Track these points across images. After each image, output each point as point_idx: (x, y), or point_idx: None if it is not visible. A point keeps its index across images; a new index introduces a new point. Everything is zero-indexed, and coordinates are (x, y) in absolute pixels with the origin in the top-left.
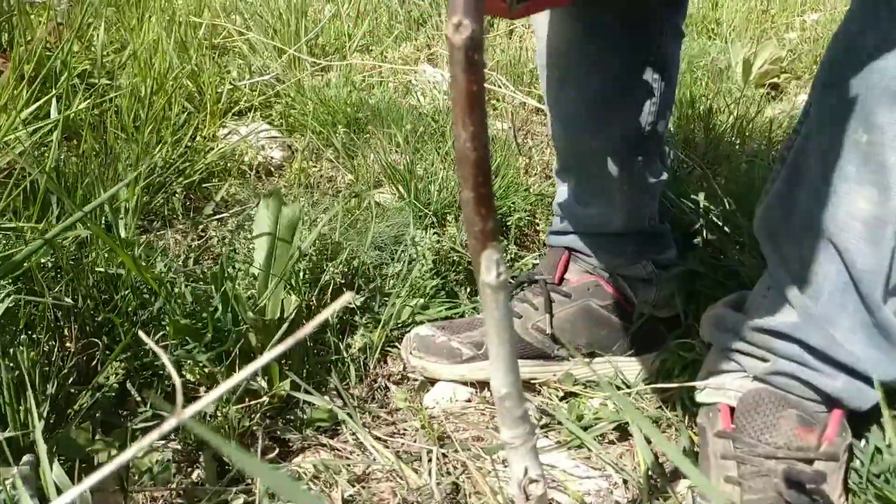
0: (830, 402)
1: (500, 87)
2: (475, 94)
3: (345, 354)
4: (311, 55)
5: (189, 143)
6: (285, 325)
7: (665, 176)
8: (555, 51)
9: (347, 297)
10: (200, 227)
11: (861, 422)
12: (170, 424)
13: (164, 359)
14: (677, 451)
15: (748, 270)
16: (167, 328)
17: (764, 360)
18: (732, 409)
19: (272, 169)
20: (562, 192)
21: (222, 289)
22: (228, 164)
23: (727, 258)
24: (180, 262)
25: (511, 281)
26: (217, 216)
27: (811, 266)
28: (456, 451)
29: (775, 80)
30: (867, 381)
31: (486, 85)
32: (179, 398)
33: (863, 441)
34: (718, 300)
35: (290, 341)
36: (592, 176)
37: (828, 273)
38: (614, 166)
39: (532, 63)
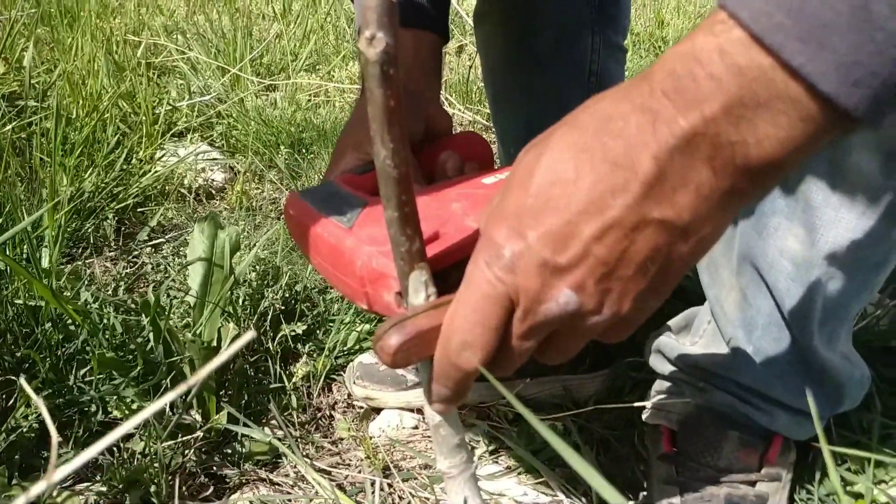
0: (770, 431)
1: (448, 105)
2: (392, 110)
3: (287, 383)
4: (256, 75)
5: (123, 166)
6: (224, 355)
7: None
8: (488, 71)
9: (250, 336)
10: (133, 253)
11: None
12: (38, 489)
13: (43, 409)
14: (581, 462)
15: (695, 285)
16: (92, 362)
17: (704, 390)
18: (674, 433)
19: (213, 192)
20: None
21: (152, 318)
22: (166, 188)
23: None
24: (109, 291)
25: None
26: (152, 242)
27: (747, 298)
28: (401, 480)
29: None
30: (805, 414)
31: None
32: (54, 456)
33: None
34: (664, 321)
35: (203, 371)
36: None
37: (761, 307)
38: None
39: (480, 79)
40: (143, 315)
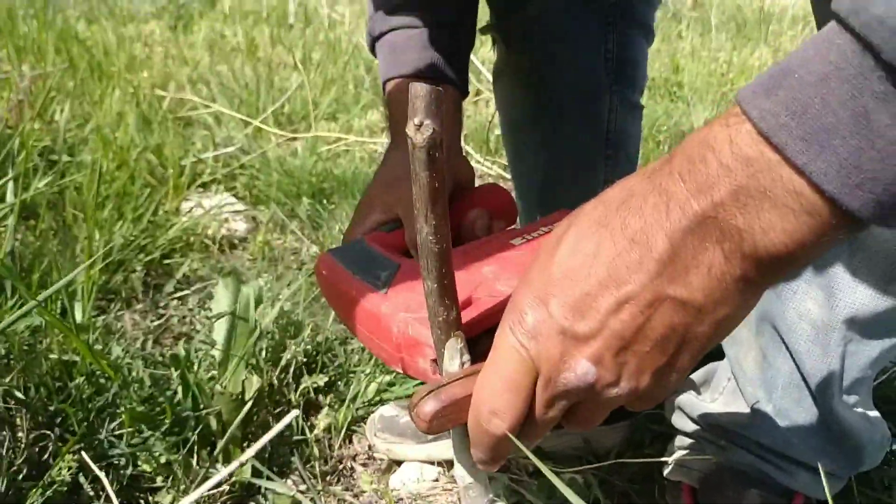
0: (790, 490)
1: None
2: (437, 190)
3: (309, 435)
4: (277, 124)
5: (151, 219)
6: (247, 407)
7: None
8: (507, 126)
9: (293, 415)
10: (160, 305)
11: None
12: None
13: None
14: None
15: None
16: (123, 416)
17: (725, 448)
18: (694, 490)
19: (236, 242)
20: None
21: (180, 372)
22: (191, 239)
23: None
24: (138, 345)
25: None
26: (178, 294)
27: (767, 358)
28: None
29: None
30: (827, 474)
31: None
32: None
33: None
34: None
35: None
36: None
37: (781, 368)
38: None
39: (498, 129)
40: (172, 369)
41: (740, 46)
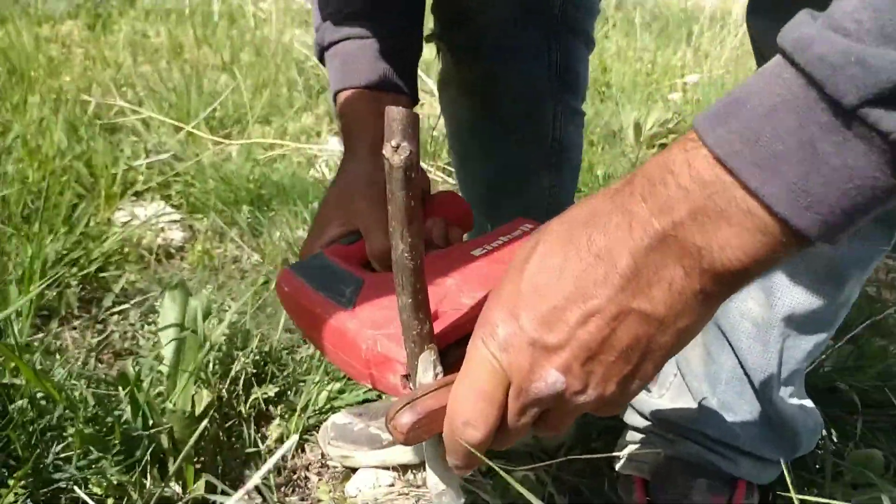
0: (734, 477)
1: None
2: (412, 209)
3: (261, 446)
4: (210, 129)
5: (83, 230)
6: (202, 424)
7: None
8: (453, 135)
9: (293, 441)
10: (99, 321)
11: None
12: None
13: None
14: None
15: None
16: (71, 439)
17: (673, 441)
18: (645, 481)
19: (173, 251)
20: None
21: (129, 390)
22: (126, 250)
23: None
24: (80, 364)
25: None
26: (117, 308)
27: (711, 354)
28: None
29: (664, 140)
30: (767, 461)
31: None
32: None
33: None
34: None
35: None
36: None
37: (724, 363)
38: None
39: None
40: (120, 387)
41: (663, 46)
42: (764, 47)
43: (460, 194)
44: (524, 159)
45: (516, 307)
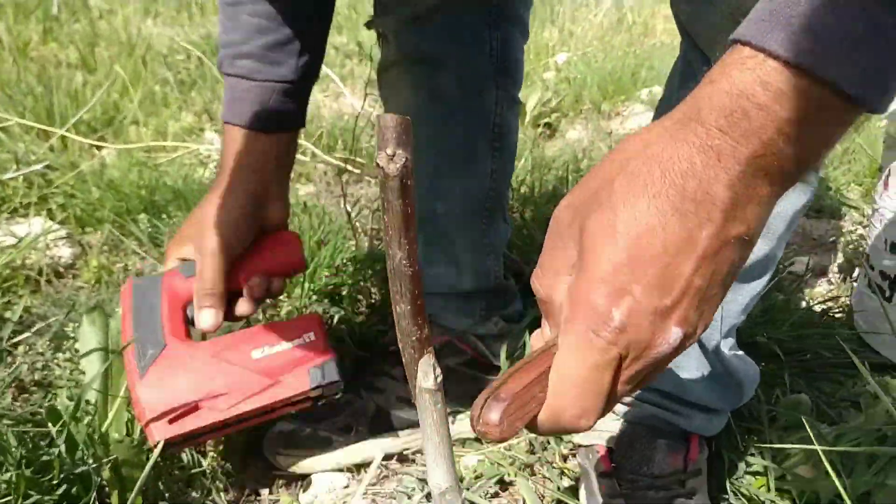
0: (688, 432)
1: (307, 154)
2: (409, 217)
3: (204, 465)
4: (78, 133)
5: None
6: (158, 450)
7: (508, 234)
8: None
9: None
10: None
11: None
12: None
13: None
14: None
15: None
16: (5, 485)
17: (629, 405)
18: (609, 449)
19: (61, 270)
20: None
21: (61, 424)
22: (13, 273)
23: None
24: None
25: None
26: (17, 339)
27: None
28: None
29: (548, 119)
30: (715, 412)
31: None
32: None
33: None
34: None
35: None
36: (437, 238)
37: None
38: (458, 229)
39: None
40: (50, 423)
41: (532, 27)
42: (690, 27)
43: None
44: (468, 145)
45: (624, 282)
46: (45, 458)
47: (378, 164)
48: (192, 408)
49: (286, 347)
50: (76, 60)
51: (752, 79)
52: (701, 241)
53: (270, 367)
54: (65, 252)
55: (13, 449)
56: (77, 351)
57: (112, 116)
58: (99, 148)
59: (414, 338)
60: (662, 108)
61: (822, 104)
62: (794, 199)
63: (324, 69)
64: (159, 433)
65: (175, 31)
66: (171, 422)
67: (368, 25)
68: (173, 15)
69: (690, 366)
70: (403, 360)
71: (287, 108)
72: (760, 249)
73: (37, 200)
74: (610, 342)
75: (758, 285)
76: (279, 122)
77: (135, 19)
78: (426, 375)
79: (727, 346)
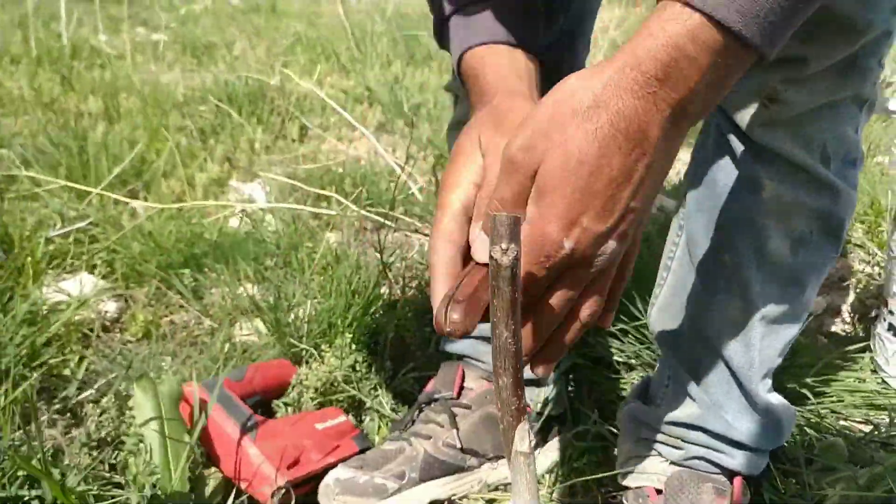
0: (733, 473)
1: (333, 204)
2: (515, 301)
3: None
4: (110, 187)
5: (23, 317)
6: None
7: None
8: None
9: None
10: (69, 413)
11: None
12: None
13: None
14: None
15: (618, 355)
16: None
17: (677, 447)
18: (657, 491)
19: (107, 324)
20: None
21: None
22: (67, 330)
23: (596, 346)
24: (78, 464)
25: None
26: (80, 397)
27: (701, 362)
28: None
29: None
30: (757, 451)
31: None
32: None
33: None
34: (613, 390)
35: None
36: None
37: (713, 367)
38: None
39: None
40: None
41: None
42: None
43: None
44: None
45: (576, 214)
46: None
47: (492, 257)
48: (295, 460)
49: (332, 424)
50: (97, 110)
51: (684, 31)
52: (638, 172)
53: (330, 436)
54: (111, 307)
55: None
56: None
57: (141, 169)
58: (125, 203)
59: (513, 407)
60: (695, 176)
61: (733, 54)
62: (807, 258)
63: (341, 112)
64: (282, 478)
65: (185, 76)
66: (288, 468)
67: (447, 88)
68: (180, 59)
69: (731, 407)
70: (500, 427)
71: (521, 24)
72: (786, 301)
73: (80, 255)
74: (556, 265)
75: (791, 333)
76: (517, 37)
77: (142, 65)
78: (522, 440)
79: (765, 388)
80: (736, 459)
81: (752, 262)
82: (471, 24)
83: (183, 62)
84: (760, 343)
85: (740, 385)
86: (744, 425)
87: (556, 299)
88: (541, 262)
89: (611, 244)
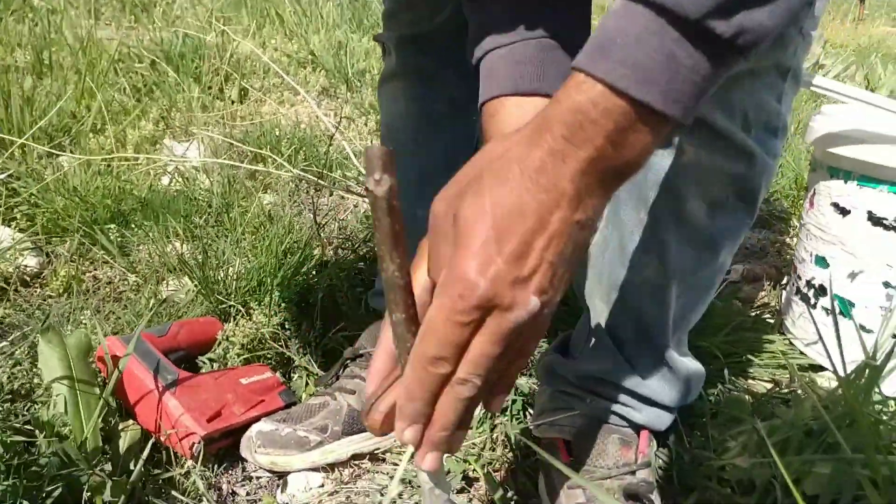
0: (639, 426)
1: (269, 165)
2: (398, 233)
3: (175, 471)
4: (33, 140)
5: None
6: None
7: None
8: (386, 124)
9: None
10: None
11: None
12: None
13: None
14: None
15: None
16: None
17: (588, 400)
18: (567, 442)
19: (28, 279)
20: None
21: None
22: None
23: None
24: None
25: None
26: None
27: (616, 319)
28: None
29: None
30: (665, 408)
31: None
32: None
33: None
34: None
35: None
36: (417, 240)
37: (627, 325)
38: None
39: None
40: (38, 433)
41: None
42: None
43: None
44: (451, 155)
45: (491, 254)
46: (34, 468)
47: (367, 188)
48: (217, 413)
49: (257, 379)
50: (25, 64)
51: (585, 99)
52: (552, 223)
53: (254, 391)
54: (31, 261)
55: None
56: None
57: (69, 123)
58: (57, 156)
59: (408, 343)
60: None
61: (638, 118)
62: (723, 223)
63: (284, 77)
64: (203, 429)
65: (122, 34)
66: (208, 421)
67: (376, 38)
68: (117, 16)
69: (642, 364)
70: (399, 363)
71: (544, 65)
72: (702, 264)
73: (2, 209)
74: (473, 305)
75: (706, 295)
76: (530, 84)
77: (79, 20)
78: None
79: (677, 348)
80: (643, 414)
81: (669, 223)
82: (489, 76)
83: (119, 19)
84: (675, 303)
85: (652, 343)
86: (653, 382)
87: (473, 351)
88: (455, 304)
89: (532, 299)
